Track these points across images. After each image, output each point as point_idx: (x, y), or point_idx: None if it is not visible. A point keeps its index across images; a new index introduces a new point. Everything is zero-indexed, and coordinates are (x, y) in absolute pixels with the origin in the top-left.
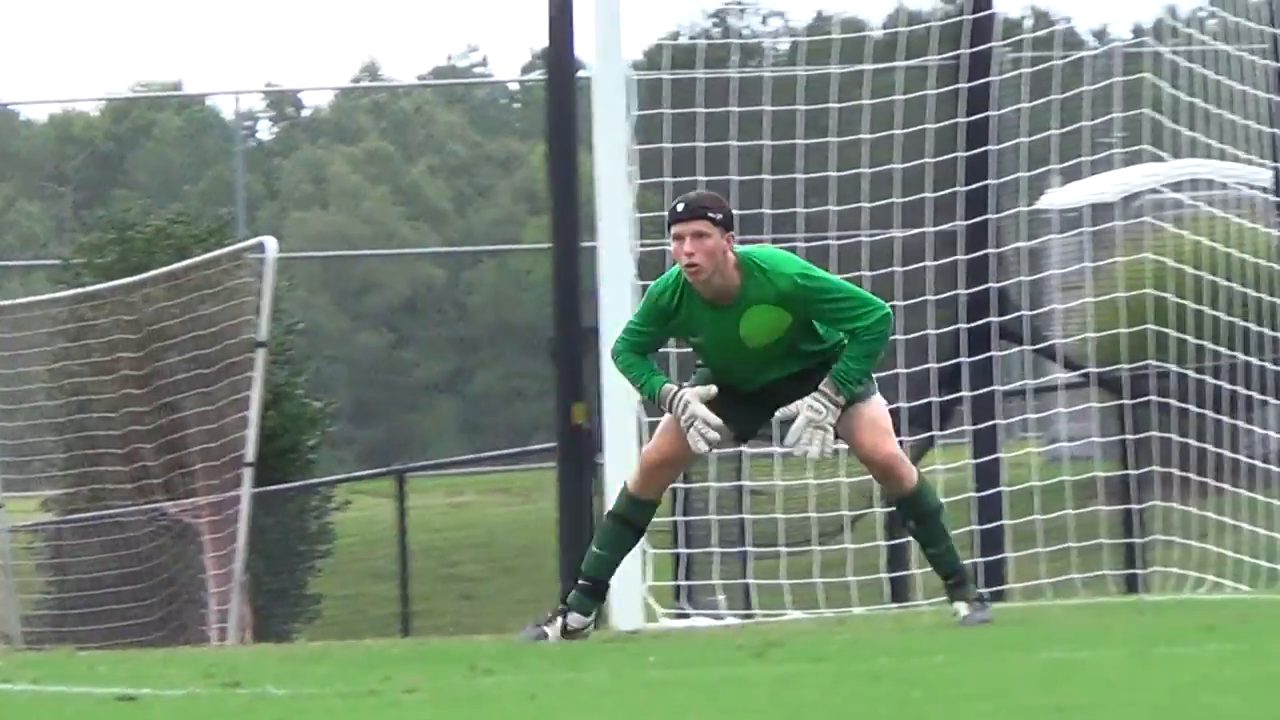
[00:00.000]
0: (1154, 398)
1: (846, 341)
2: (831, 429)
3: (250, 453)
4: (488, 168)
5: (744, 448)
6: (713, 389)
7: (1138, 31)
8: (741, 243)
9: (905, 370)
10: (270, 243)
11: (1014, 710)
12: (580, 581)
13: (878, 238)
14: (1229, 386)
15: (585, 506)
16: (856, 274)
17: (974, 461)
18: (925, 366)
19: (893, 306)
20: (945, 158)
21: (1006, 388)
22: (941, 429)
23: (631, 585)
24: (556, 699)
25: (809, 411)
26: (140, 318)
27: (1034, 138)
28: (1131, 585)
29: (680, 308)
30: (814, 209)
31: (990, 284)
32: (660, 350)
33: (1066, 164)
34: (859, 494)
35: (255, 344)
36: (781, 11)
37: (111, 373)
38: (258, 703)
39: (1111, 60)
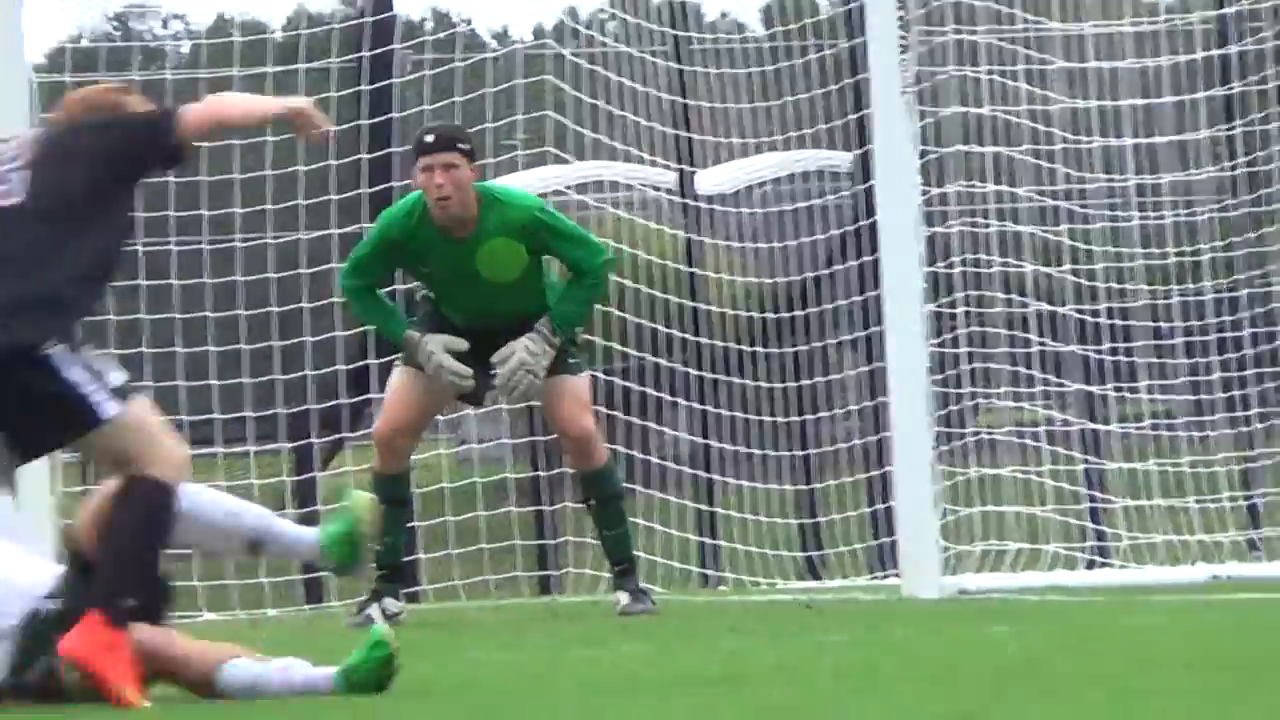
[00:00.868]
0: None
1: (566, 285)
2: (542, 374)
3: None
4: None
5: None
6: (462, 341)
7: (539, 33)
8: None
9: (313, 373)
10: None
11: (437, 713)
12: (381, 571)
13: (283, 239)
14: (639, 388)
15: None
16: (263, 275)
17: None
18: (334, 369)
19: (299, 310)
20: (349, 160)
21: None
22: (352, 430)
23: None
24: None
25: (523, 353)
26: None
27: None
28: (545, 587)
29: (412, 238)
30: (219, 211)
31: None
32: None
33: None
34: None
35: None
36: (183, 15)
37: None
38: None
39: (514, 62)
